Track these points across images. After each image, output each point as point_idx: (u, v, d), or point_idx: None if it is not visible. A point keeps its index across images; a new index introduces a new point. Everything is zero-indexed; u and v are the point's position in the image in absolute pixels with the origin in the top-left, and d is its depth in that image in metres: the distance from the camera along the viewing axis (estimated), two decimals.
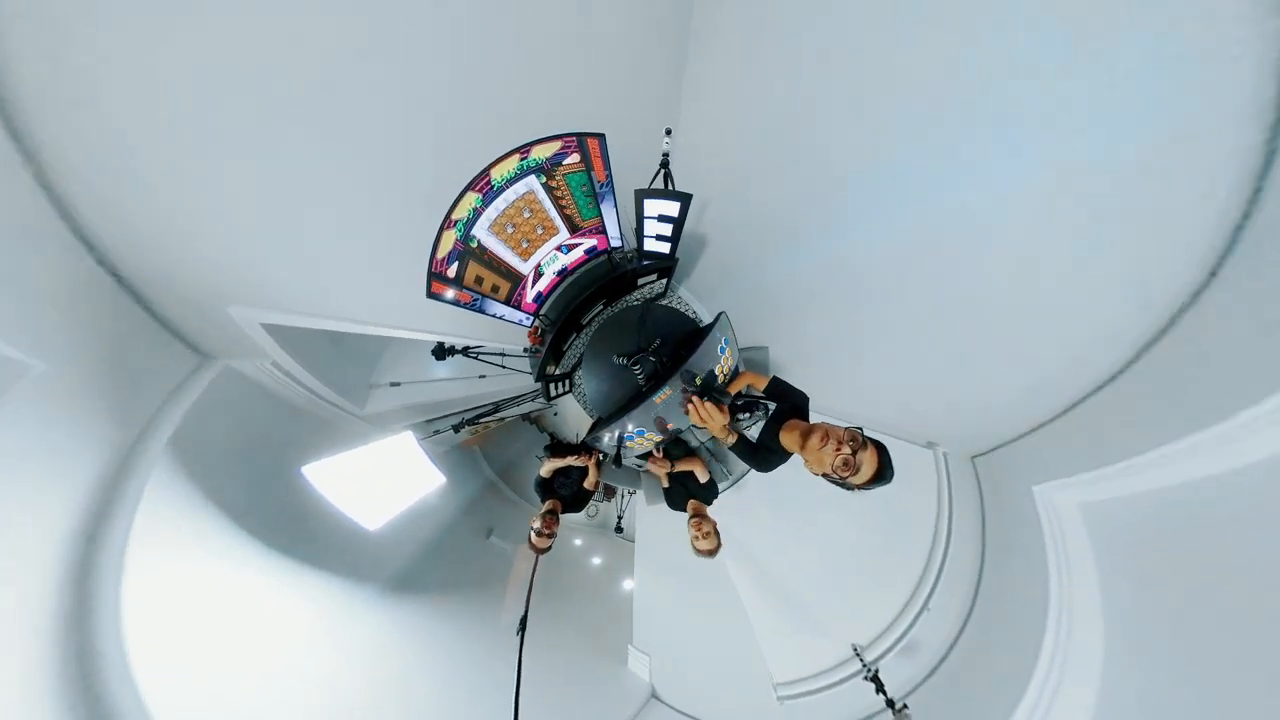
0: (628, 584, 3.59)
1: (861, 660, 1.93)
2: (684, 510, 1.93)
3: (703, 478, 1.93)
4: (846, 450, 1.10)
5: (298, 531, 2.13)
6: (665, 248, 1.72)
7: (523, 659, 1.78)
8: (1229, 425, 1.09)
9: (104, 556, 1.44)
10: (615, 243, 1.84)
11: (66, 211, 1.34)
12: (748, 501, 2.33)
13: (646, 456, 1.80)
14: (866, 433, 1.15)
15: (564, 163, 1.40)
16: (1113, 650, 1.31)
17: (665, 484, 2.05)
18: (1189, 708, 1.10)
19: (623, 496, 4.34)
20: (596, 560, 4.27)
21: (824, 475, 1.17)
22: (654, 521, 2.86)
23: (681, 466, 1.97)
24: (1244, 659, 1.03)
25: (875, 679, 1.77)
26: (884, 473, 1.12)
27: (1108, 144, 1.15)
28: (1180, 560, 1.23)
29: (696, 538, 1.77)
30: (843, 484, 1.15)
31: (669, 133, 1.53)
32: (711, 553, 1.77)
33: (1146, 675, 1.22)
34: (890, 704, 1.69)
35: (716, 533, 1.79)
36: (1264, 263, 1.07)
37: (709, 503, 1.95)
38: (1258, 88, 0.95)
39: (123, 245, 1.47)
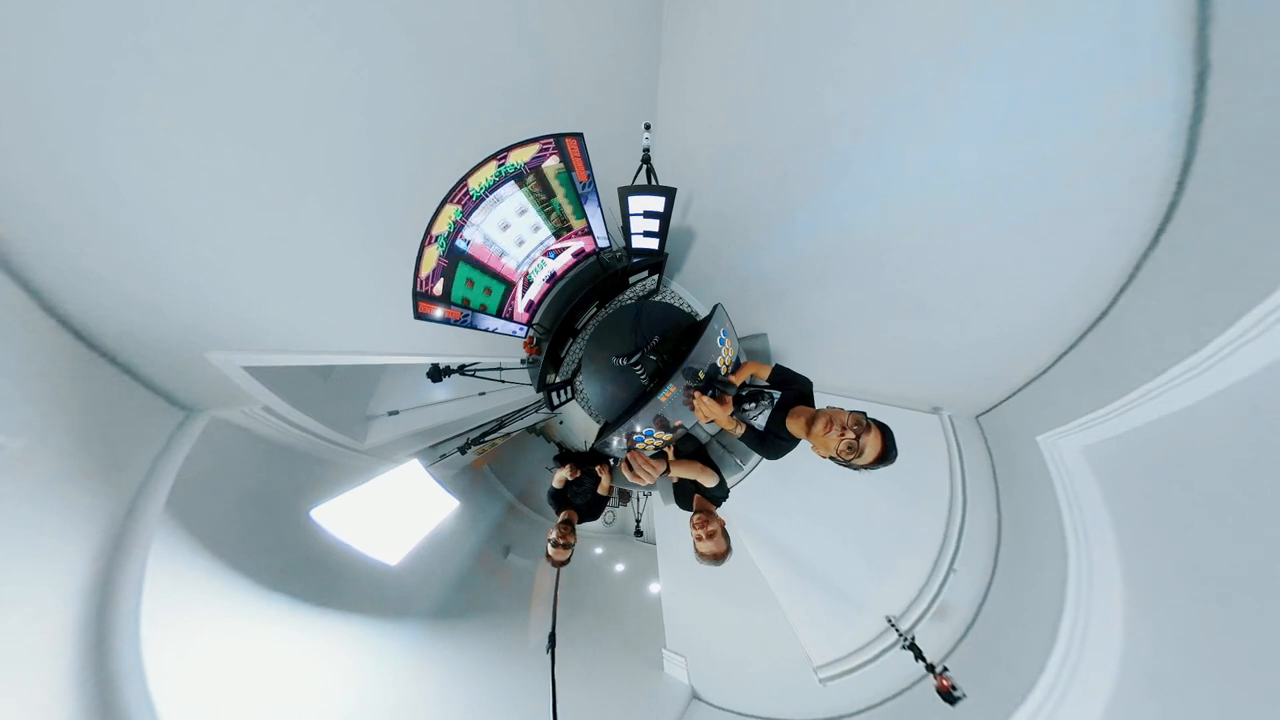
0: (654, 587, 3.56)
1: (897, 630, 1.93)
2: (691, 509, 1.71)
3: (708, 483, 1.71)
4: (850, 435, 1.14)
5: (315, 577, 2.06)
6: (654, 243, 1.70)
7: (556, 677, 1.74)
8: (1206, 352, 1.14)
9: (119, 638, 1.36)
10: (603, 243, 1.82)
11: (17, 273, 1.25)
12: (763, 487, 2.32)
13: (660, 456, 1.72)
14: (872, 414, 1.18)
15: (543, 166, 1.37)
16: (1132, 584, 1.34)
17: (673, 478, 1.82)
18: (1213, 640, 1.11)
19: (638, 499, 4.32)
20: (619, 567, 4.23)
21: (830, 458, 1.21)
22: (673, 521, 2.84)
23: (680, 471, 1.71)
24: (1247, 569, 1.06)
25: (913, 646, 1.78)
26: (888, 454, 1.16)
27: (1075, 102, 1.18)
28: (1182, 487, 1.26)
29: (700, 538, 1.55)
30: (848, 465, 1.18)
31: (648, 127, 1.51)
32: (717, 557, 1.54)
33: (1166, 604, 1.25)
34: (930, 669, 1.69)
35: (725, 534, 1.57)
36: (1217, 196, 1.12)
37: (718, 503, 1.76)
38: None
39: (82, 298, 1.37)
